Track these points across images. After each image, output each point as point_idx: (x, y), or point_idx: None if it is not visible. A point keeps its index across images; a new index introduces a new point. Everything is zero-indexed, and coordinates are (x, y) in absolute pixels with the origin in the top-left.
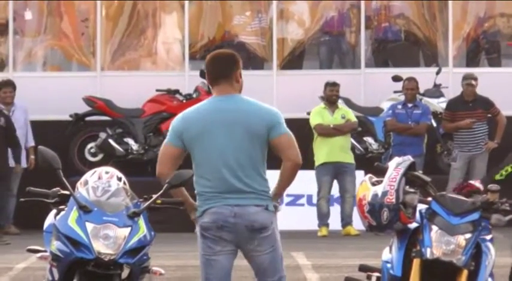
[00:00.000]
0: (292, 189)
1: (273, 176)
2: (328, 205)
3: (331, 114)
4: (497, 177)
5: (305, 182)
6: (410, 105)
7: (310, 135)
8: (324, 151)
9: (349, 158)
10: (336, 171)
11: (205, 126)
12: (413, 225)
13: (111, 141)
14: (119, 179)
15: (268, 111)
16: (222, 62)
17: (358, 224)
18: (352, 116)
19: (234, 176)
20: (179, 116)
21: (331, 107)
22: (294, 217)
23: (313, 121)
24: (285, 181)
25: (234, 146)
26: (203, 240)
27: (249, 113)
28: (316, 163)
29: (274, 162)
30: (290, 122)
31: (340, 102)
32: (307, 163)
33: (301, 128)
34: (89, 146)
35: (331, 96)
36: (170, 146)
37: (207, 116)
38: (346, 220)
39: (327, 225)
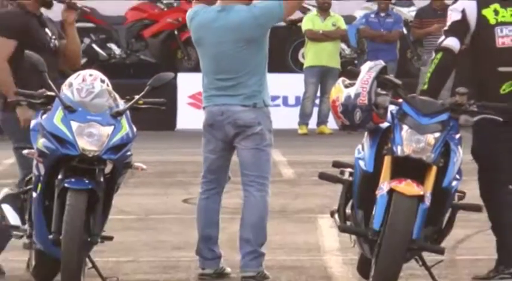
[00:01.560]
0: (269, 90)
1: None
2: (312, 105)
3: (323, 21)
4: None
5: (281, 84)
6: (383, 14)
7: (286, 41)
8: (312, 54)
9: (335, 63)
10: (322, 74)
11: (200, 33)
12: (384, 125)
13: (94, 46)
14: (102, 81)
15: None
16: None
17: (332, 124)
18: (342, 23)
19: (225, 80)
20: (189, 14)
21: (323, 14)
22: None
23: (304, 27)
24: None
25: (226, 52)
26: (202, 137)
27: (241, 17)
28: (305, 65)
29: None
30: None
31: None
32: (282, 66)
33: (278, 34)
34: None
35: (323, 4)
36: None
37: (204, 23)
38: (322, 119)
39: (307, 124)
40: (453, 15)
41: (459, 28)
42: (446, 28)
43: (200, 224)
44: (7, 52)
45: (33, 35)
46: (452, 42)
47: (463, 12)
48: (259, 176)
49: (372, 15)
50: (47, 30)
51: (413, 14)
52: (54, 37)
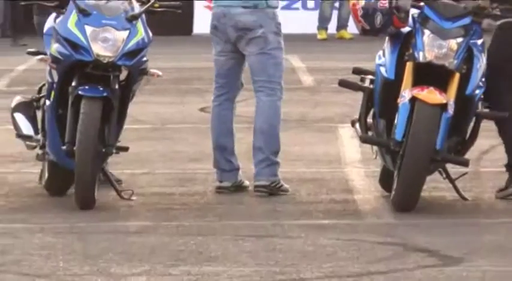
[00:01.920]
0: None
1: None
2: (331, 9)
3: None
4: None
5: None
6: None
7: None
8: None
9: None
10: None
11: None
12: (406, 29)
13: None
14: None
15: None
16: None
17: (352, 28)
18: None
19: None
20: None
21: None
22: (289, 21)
23: None
24: None
25: None
26: (211, 40)
27: None
28: None
29: None
30: None
31: None
32: None
33: None
34: None
35: None
36: None
37: None
38: (341, 23)
39: (326, 29)
40: None
41: None
42: None
43: (213, 133)
44: None
45: None
46: None
47: None
48: (267, 81)
49: None
50: None
51: None
52: None
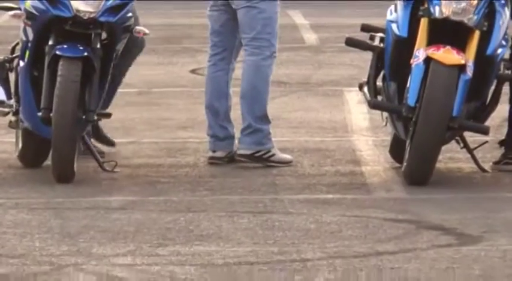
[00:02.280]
0: None
1: None
2: None
3: None
4: None
5: None
6: None
7: None
8: None
9: None
10: None
11: None
12: None
13: None
14: None
15: None
16: None
17: None
18: None
19: None
20: None
21: None
22: None
23: None
24: None
25: None
26: None
27: None
28: None
29: None
30: None
31: None
32: None
33: None
34: None
35: None
36: None
37: None
38: None
39: None
40: None
41: None
42: None
43: (207, 96)
44: None
45: None
46: None
47: None
48: (253, 38)
49: None
50: None
51: None
52: None
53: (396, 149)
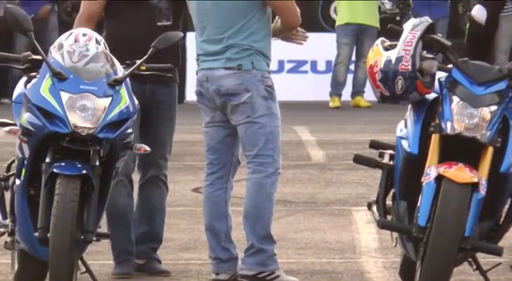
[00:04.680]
0: (294, 54)
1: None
2: (346, 72)
3: None
4: None
5: (309, 46)
6: None
7: None
8: (346, 9)
9: (373, 21)
10: (357, 34)
11: None
12: (431, 96)
13: None
14: (98, 42)
15: None
16: None
17: (369, 94)
18: None
19: (210, 37)
20: None
21: None
22: (296, 86)
23: None
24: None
25: (211, 4)
26: (200, 110)
27: None
28: (337, 23)
29: None
30: None
31: None
32: (310, 24)
33: None
34: None
35: None
36: None
37: None
38: (357, 89)
39: (340, 95)
40: None
41: None
42: None
43: (206, 217)
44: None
45: None
46: (477, 12)
47: None
48: (256, 155)
49: None
50: None
51: None
52: None
53: (407, 271)
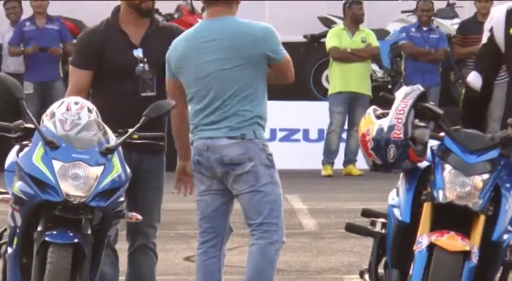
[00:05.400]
0: (287, 122)
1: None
2: (338, 140)
3: (351, 36)
4: None
5: (301, 114)
6: (425, 28)
7: (306, 62)
8: (339, 78)
9: (365, 89)
10: (350, 102)
11: (186, 53)
12: (423, 164)
13: None
14: (90, 110)
15: (259, 29)
16: None
17: (361, 163)
18: (374, 40)
19: (210, 106)
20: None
21: (352, 28)
22: (288, 155)
23: (329, 44)
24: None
25: (211, 72)
26: (194, 178)
27: (235, 35)
28: (330, 92)
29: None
30: (284, 46)
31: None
32: (302, 92)
33: (296, 53)
34: None
35: (359, 16)
36: (168, 78)
37: (187, 42)
38: (349, 157)
39: (332, 164)
40: (484, 36)
41: (484, 56)
42: (477, 52)
43: None
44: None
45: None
46: (472, 79)
47: (491, 31)
48: (261, 223)
49: (413, 29)
50: (135, 51)
51: (456, 27)
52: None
53: None
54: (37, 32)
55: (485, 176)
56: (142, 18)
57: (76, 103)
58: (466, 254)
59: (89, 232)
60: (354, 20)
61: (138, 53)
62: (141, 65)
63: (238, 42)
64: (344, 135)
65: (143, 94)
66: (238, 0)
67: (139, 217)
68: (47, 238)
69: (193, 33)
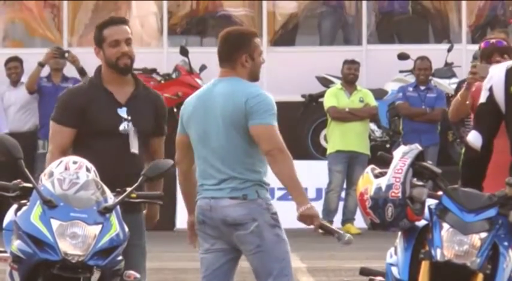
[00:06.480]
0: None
1: None
2: (338, 199)
3: (348, 96)
4: None
5: (299, 173)
6: (422, 87)
7: (305, 121)
8: (337, 137)
9: (364, 148)
10: (348, 161)
11: (194, 112)
12: (421, 223)
13: None
14: (88, 170)
15: (245, 94)
16: (227, 42)
17: (360, 221)
18: (372, 99)
19: (212, 166)
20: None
21: (349, 88)
22: (287, 213)
23: (327, 103)
24: (283, 179)
25: (214, 134)
26: (198, 237)
27: (226, 97)
28: (329, 151)
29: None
30: (282, 106)
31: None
32: (300, 152)
33: (294, 112)
34: None
35: (348, 75)
36: (178, 133)
37: (196, 100)
38: (347, 216)
39: (331, 222)
40: (482, 95)
41: (484, 116)
42: (476, 112)
43: None
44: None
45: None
46: (473, 138)
47: (491, 91)
48: None
49: (410, 89)
50: (119, 110)
51: (455, 87)
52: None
53: None
54: (53, 89)
55: (483, 234)
56: (123, 77)
57: (74, 162)
58: None
59: None
60: (346, 80)
61: (122, 112)
62: (126, 123)
63: (224, 104)
64: (342, 194)
65: (132, 150)
66: (244, 64)
67: (138, 275)
68: None
69: (203, 91)
